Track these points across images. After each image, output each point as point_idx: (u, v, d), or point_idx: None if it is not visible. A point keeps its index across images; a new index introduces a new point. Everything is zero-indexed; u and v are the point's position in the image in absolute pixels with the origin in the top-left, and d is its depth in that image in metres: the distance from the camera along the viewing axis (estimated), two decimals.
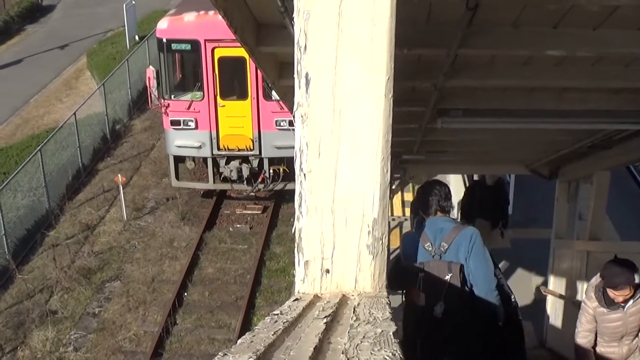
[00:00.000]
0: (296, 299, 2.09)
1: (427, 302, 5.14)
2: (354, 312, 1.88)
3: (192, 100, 16.27)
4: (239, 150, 16.62)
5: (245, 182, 17.06)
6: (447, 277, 5.04)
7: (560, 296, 10.56)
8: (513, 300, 5.58)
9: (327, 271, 2.14)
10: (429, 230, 5.21)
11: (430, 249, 5.17)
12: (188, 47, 15.99)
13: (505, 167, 13.04)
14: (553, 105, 6.15)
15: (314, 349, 1.57)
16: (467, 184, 16.10)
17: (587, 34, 4.22)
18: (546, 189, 12.55)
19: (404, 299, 5.44)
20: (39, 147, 17.67)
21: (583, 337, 6.21)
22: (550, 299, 11.22)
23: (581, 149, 8.75)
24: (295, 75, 2.09)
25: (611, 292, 5.80)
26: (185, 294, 14.77)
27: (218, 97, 16.19)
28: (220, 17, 4.16)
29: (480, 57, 5.03)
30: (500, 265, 7.06)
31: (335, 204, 2.10)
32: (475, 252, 5.09)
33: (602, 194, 9.64)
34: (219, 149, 16.59)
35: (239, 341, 1.68)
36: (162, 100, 16.44)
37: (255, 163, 16.83)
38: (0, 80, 25.83)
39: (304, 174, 2.10)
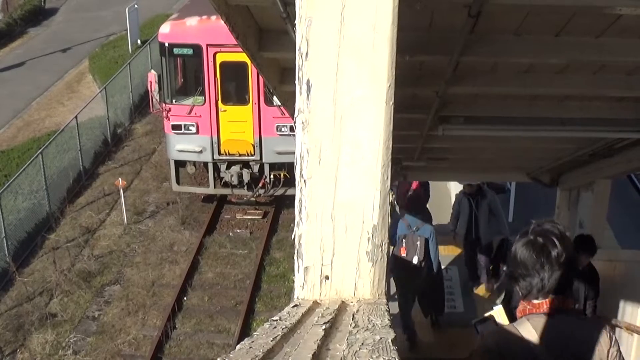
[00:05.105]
0: (295, 305, 2.08)
1: (407, 255, 10.16)
2: (352, 319, 1.88)
3: (194, 105, 16.27)
4: (240, 155, 16.61)
5: (245, 187, 17.05)
6: (417, 243, 10.14)
7: None
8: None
9: (327, 277, 2.13)
10: (409, 219, 10.44)
11: (409, 228, 10.29)
12: (190, 51, 16.01)
13: (506, 175, 13.05)
14: (554, 113, 6.15)
15: (313, 355, 1.57)
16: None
17: (589, 42, 4.22)
18: (547, 196, 12.53)
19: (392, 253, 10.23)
20: (40, 149, 17.66)
21: None
22: None
23: (582, 157, 8.75)
24: (297, 82, 2.08)
25: None
26: (185, 298, 14.75)
27: (219, 102, 16.21)
28: (222, 22, 4.17)
29: (482, 65, 5.04)
30: None
31: (335, 210, 2.10)
32: (431, 235, 10.31)
33: (602, 202, 9.64)
34: (219, 153, 16.59)
35: (238, 347, 1.68)
36: (164, 105, 16.43)
37: (256, 168, 16.82)
38: (2, 82, 25.84)
39: (304, 180, 2.10)
